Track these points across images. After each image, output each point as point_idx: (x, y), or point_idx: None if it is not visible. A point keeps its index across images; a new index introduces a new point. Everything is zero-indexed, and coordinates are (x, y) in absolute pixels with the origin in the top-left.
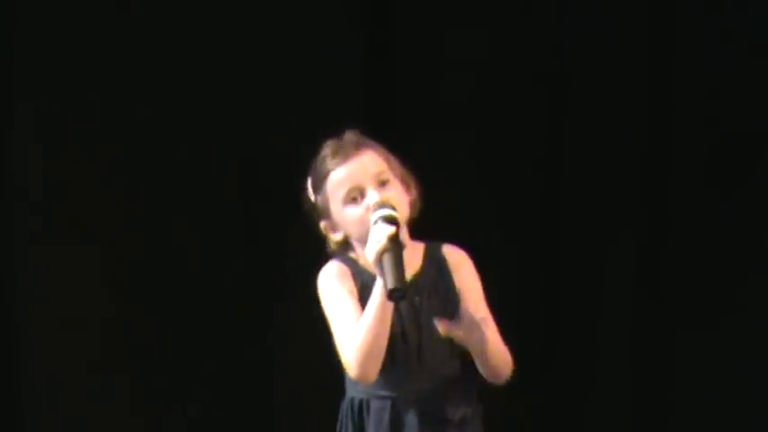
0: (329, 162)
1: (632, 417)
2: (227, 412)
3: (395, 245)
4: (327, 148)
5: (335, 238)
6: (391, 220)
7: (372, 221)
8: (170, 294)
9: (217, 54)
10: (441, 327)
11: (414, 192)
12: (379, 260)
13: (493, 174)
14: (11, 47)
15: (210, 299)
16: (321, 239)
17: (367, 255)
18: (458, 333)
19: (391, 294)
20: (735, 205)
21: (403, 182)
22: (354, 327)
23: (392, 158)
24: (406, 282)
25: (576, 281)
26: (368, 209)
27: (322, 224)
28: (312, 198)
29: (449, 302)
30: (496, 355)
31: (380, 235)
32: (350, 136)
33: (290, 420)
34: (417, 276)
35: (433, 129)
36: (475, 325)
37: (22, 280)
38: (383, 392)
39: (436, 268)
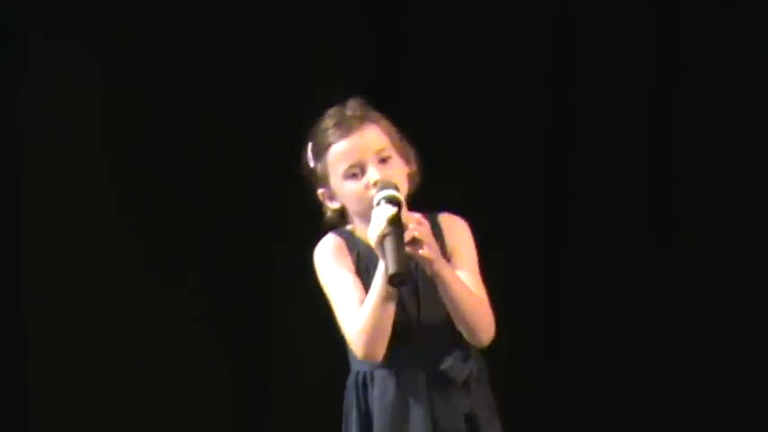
0: (332, 133)
1: (639, 388)
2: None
3: (396, 227)
4: (331, 117)
5: (332, 206)
6: (393, 201)
7: (375, 202)
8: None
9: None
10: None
11: (413, 165)
12: (380, 243)
13: (498, 145)
14: None
15: (210, 288)
16: (318, 209)
17: (369, 237)
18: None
19: (392, 279)
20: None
21: (403, 156)
22: (359, 307)
23: (393, 131)
24: (407, 266)
25: (579, 255)
26: (367, 186)
27: (320, 191)
28: (311, 164)
29: None
30: (475, 312)
31: (382, 217)
32: (354, 105)
33: (292, 400)
34: None
35: (436, 117)
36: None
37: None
38: (386, 363)
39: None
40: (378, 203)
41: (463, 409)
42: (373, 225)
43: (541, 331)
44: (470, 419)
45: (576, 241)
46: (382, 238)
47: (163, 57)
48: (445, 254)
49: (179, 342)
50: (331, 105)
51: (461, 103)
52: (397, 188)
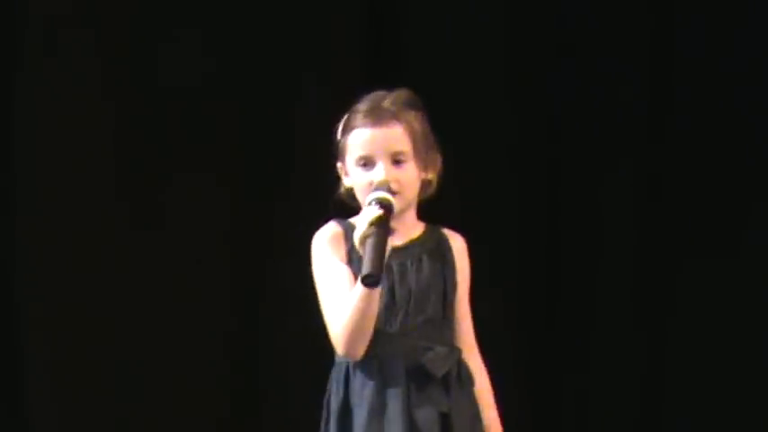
0: (360, 116)
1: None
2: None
3: (379, 229)
4: (368, 101)
5: (346, 182)
6: (384, 203)
7: (367, 202)
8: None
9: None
10: None
11: (431, 173)
12: (362, 244)
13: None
14: None
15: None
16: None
17: (354, 236)
18: None
19: (364, 280)
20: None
21: (422, 162)
22: (342, 303)
23: (422, 135)
24: (381, 269)
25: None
26: (371, 183)
27: (339, 164)
28: (339, 136)
29: (446, 276)
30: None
31: (366, 219)
32: (395, 98)
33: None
34: (416, 241)
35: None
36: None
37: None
38: (370, 351)
39: (436, 241)
40: (369, 204)
41: (440, 407)
42: (359, 224)
43: (539, 320)
44: (446, 420)
45: (571, 231)
46: (364, 238)
47: (165, 57)
48: (454, 275)
49: (176, 342)
50: (326, 102)
51: (458, 101)
52: (391, 192)
